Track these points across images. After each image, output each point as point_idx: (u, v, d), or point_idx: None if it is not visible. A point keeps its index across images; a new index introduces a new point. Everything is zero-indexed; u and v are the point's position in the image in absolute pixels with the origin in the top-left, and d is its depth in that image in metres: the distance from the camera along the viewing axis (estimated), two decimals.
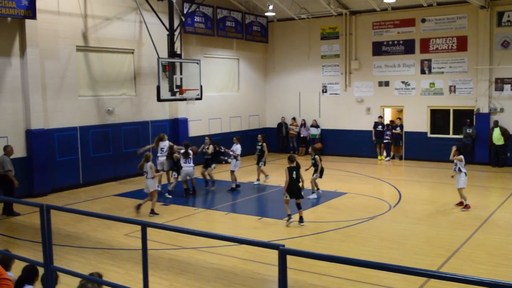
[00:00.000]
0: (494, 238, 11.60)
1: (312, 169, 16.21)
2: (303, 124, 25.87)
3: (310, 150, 16.76)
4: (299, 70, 26.33)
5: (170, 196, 16.12)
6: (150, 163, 14.19)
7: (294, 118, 26.23)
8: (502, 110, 21.51)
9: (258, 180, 18.51)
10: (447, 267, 9.65)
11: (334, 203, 15.39)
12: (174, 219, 13.67)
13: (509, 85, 21.37)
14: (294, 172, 12.80)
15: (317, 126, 25.55)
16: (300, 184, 12.97)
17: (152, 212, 13.95)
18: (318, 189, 16.37)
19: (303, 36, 25.99)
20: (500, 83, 21.53)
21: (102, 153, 18.87)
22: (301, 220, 12.74)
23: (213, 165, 17.57)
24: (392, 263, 4.12)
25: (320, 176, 16.05)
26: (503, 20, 21.36)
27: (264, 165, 18.41)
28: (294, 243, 11.33)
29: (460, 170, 14.18)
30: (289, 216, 12.77)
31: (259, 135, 19.06)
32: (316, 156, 16.14)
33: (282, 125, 26.35)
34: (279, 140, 26.59)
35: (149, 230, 5.19)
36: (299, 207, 12.74)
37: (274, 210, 14.78)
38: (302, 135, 25.84)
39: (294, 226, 12.73)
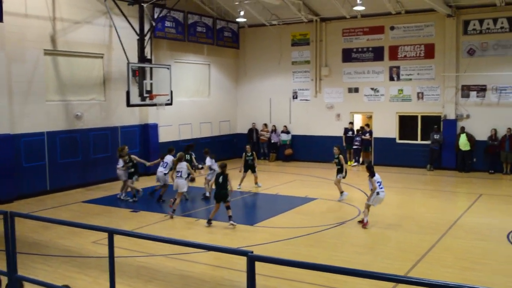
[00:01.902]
0: (461, 242, 11.80)
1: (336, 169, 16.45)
2: (274, 130, 25.93)
3: (334, 150, 16.69)
4: (270, 76, 26.42)
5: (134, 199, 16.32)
6: (185, 163, 14.77)
7: (265, 124, 26.27)
8: (468, 116, 21.95)
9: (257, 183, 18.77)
10: (416, 271, 9.76)
11: (304, 208, 15.44)
12: (144, 225, 13.53)
13: (475, 92, 21.82)
14: (221, 177, 13.26)
15: (287, 132, 25.65)
16: (229, 188, 13.40)
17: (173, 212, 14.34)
18: (342, 192, 16.40)
19: (274, 42, 26.11)
20: (466, 90, 21.97)
21: (70, 159, 18.58)
22: (230, 218, 13.20)
23: (135, 177, 16.74)
24: (361, 268, 4.14)
25: (344, 177, 16.32)
26: (469, 29, 21.82)
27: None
28: (263, 249, 11.32)
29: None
30: (209, 220, 13.40)
31: (247, 146, 19.27)
32: (340, 156, 16.37)
33: (253, 131, 26.34)
34: (250, 146, 26.44)
35: (119, 237, 5.12)
36: (228, 208, 13.25)
37: (244, 216, 14.75)
38: (272, 141, 25.90)
39: (264, 232, 12.71)
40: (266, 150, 26.08)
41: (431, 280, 3.47)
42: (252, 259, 3.91)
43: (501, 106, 21.35)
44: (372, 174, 13.22)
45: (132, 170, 16.65)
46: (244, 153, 18.63)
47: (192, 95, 24.63)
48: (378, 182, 13.23)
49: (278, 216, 14.36)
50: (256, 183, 18.64)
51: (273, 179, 20.44)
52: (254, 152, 18.77)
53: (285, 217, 14.52)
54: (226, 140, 26.28)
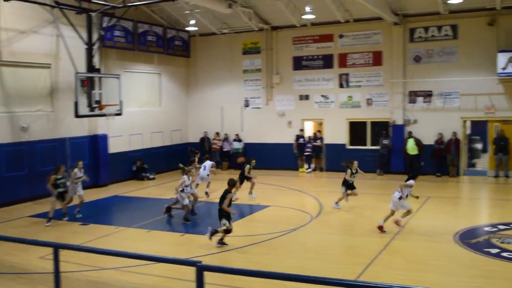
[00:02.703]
0: (410, 244, 12.06)
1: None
2: (226, 139, 25.90)
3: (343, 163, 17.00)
4: (221, 85, 26.42)
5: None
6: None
7: (217, 133, 26.22)
8: (415, 121, 22.53)
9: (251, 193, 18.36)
10: (366, 275, 9.90)
11: (257, 216, 15.47)
12: (93, 238, 13.23)
13: (421, 98, 22.43)
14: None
15: (239, 140, 25.67)
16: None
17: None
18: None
19: (225, 50, 26.15)
20: (413, 96, 22.56)
21: (16, 172, 18.02)
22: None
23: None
24: (313, 274, 4.18)
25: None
26: (415, 36, 22.44)
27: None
28: (216, 259, 11.26)
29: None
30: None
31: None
32: (359, 170, 16.78)
33: (204, 140, 26.23)
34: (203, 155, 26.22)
35: (68, 251, 4.99)
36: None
37: (197, 226, 14.65)
38: (225, 149, 25.85)
39: (216, 241, 12.64)
40: (218, 158, 26.00)
41: (383, 283, 3.53)
42: (201, 269, 3.88)
43: (446, 110, 22.02)
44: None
45: (62, 189, 15.16)
46: (248, 165, 18.32)
47: (143, 105, 24.34)
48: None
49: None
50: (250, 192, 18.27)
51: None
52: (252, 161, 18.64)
53: (238, 225, 14.43)
54: (177, 149, 26.06)
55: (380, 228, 13.00)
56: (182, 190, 14.85)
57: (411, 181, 13.16)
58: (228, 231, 12.16)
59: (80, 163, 16.00)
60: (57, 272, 4.93)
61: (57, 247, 4.96)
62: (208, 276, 8.77)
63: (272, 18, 24.30)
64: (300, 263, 10.94)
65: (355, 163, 16.46)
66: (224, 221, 12.12)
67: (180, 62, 26.47)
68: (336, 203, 16.15)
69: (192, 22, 23.16)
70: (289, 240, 12.76)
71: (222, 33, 25.50)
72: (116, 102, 19.14)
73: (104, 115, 18.97)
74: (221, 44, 26.14)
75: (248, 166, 18.16)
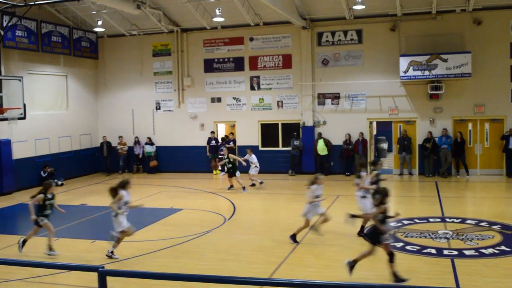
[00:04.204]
0: (321, 242, 12.36)
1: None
2: (137, 142, 25.35)
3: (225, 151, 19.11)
4: (132, 87, 25.90)
5: None
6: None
7: (121, 137, 25.54)
8: (324, 123, 23.20)
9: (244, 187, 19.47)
10: (279, 273, 10.06)
11: (170, 220, 15.29)
12: None
13: (330, 100, 23.12)
14: None
15: (151, 144, 25.24)
16: None
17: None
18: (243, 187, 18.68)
19: (135, 52, 25.66)
20: (322, 98, 23.22)
21: None
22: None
23: None
24: (227, 275, 4.16)
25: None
26: (323, 40, 23.10)
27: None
28: (127, 264, 10.99)
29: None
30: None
31: (224, 148, 20.50)
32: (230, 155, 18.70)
33: (103, 144, 25.28)
34: (104, 160, 25.38)
35: None
36: None
37: (107, 232, 14.21)
38: (136, 153, 25.31)
39: (130, 246, 12.36)
40: (122, 163, 25.26)
41: (292, 280, 3.57)
42: (103, 274, 3.76)
43: (353, 112, 22.84)
44: None
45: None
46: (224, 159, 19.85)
47: (49, 108, 23.35)
48: None
49: (143, 229, 14.04)
50: (231, 186, 19.98)
51: (139, 192, 19.97)
52: (231, 156, 19.87)
53: (151, 229, 14.26)
54: (87, 154, 25.25)
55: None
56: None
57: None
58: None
59: None
60: None
61: None
62: (121, 283, 8.54)
63: (182, 20, 24.14)
64: (214, 264, 10.93)
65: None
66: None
67: (88, 64, 25.65)
68: None
69: (100, 23, 22.53)
70: (203, 243, 12.71)
71: (131, 34, 25.02)
72: (19, 106, 18.27)
73: (6, 119, 18.03)
74: (130, 46, 25.62)
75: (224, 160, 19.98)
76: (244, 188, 19.30)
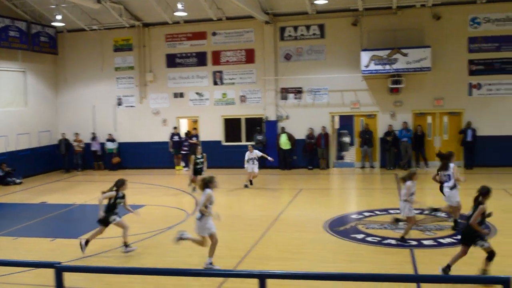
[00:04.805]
0: (283, 235, 12.45)
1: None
2: (94, 138, 24.92)
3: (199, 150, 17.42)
4: (93, 83, 25.49)
5: None
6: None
7: (77, 134, 25.08)
8: (287, 117, 23.31)
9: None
10: (241, 267, 10.09)
11: (132, 216, 15.06)
12: None
13: (292, 94, 23.23)
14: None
15: (113, 140, 24.89)
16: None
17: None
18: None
19: (96, 47, 25.25)
20: (284, 93, 23.31)
21: None
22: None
23: None
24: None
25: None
26: (285, 35, 23.18)
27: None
28: (88, 262, 10.83)
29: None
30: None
31: (199, 147, 18.88)
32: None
33: (62, 142, 24.77)
34: (62, 158, 24.81)
35: None
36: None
37: (68, 230, 14.03)
38: (93, 149, 24.88)
39: (92, 243, 12.18)
40: (80, 160, 24.86)
41: (252, 270, 3.58)
42: (59, 271, 3.70)
43: (316, 106, 23.02)
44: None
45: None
46: (193, 156, 18.20)
47: (6, 105, 22.78)
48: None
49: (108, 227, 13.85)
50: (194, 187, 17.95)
51: (100, 189, 19.61)
52: (204, 155, 18.27)
53: (113, 226, 14.04)
54: (46, 151, 24.75)
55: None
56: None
57: None
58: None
59: None
60: None
61: None
62: (84, 280, 8.43)
63: (144, 14, 23.87)
64: (177, 260, 10.89)
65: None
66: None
67: (47, 59, 25.12)
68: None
69: (59, 17, 22.08)
70: (165, 239, 12.61)
71: (92, 29, 24.60)
72: None
73: None
74: (91, 41, 25.19)
75: (192, 156, 18.10)
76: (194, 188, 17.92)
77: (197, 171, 17.85)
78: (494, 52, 21.42)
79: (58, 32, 25.16)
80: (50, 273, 9.45)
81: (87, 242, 11.48)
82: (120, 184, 11.71)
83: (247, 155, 18.92)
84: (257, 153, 19.00)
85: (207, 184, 10.36)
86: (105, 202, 11.52)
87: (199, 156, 17.88)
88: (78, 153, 24.81)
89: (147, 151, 24.63)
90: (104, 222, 11.46)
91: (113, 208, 11.58)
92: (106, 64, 25.25)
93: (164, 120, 24.67)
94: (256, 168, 18.89)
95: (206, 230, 10.25)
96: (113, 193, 11.52)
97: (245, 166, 18.89)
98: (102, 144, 25.01)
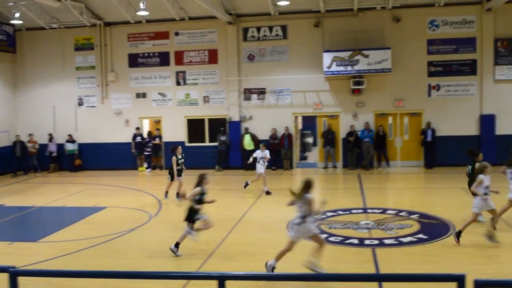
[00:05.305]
0: (247, 236, 12.45)
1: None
2: (51, 139, 24.39)
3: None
4: (53, 82, 24.99)
5: None
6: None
7: (31, 135, 24.44)
8: (251, 118, 23.34)
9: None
10: (204, 268, 10.03)
11: (93, 218, 14.89)
12: None
13: (256, 95, 23.28)
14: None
15: (73, 141, 24.42)
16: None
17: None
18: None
19: (56, 46, 24.76)
20: (248, 93, 23.34)
21: None
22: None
23: None
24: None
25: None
26: (248, 36, 23.20)
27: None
28: (47, 266, 10.60)
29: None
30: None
31: (179, 147, 17.00)
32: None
33: (16, 143, 24.01)
34: (16, 160, 24.00)
35: None
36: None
37: (26, 233, 13.71)
38: (49, 151, 24.36)
39: (50, 247, 11.96)
40: (35, 162, 24.25)
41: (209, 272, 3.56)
42: (13, 275, 3.61)
43: (279, 107, 23.12)
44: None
45: None
46: (174, 157, 16.68)
47: None
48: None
49: (65, 229, 13.63)
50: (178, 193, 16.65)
51: (60, 191, 19.39)
52: (183, 155, 17.00)
53: (73, 229, 13.84)
54: (4, 152, 24.11)
55: None
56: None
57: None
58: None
59: None
60: None
61: None
62: (41, 285, 8.23)
63: (105, 13, 23.54)
64: (138, 262, 10.75)
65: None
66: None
67: (5, 58, 24.49)
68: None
69: (17, 15, 21.57)
70: (127, 241, 12.48)
71: (52, 28, 24.12)
72: None
73: None
74: (51, 40, 24.69)
75: (174, 157, 16.69)
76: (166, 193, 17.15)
77: (178, 172, 16.74)
78: (452, 54, 21.94)
79: (16, 30, 24.59)
80: (4, 277, 9.24)
81: (177, 244, 11.15)
82: (202, 179, 11.41)
83: (258, 153, 17.71)
84: (267, 153, 17.76)
85: (307, 187, 9.58)
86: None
87: (179, 157, 16.81)
88: (33, 154, 24.20)
89: (109, 152, 24.29)
90: (191, 219, 11.20)
91: (199, 204, 11.27)
92: (67, 63, 24.79)
93: (126, 120, 24.37)
94: (263, 169, 17.61)
95: (307, 232, 9.62)
96: (199, 189, 11.15)
97: (256, 166, 17.64)
98: (61, 145, 24.47)
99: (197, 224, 11.32)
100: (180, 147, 17.04)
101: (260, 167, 17.54)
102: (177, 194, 16.59)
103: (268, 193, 17.37)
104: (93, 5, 22.92)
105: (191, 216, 11.28)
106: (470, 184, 12.74)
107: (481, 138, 21.76)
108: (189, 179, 19.90)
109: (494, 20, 21.49)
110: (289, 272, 9.24)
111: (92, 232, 13.34)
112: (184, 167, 16.99)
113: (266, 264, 9.64)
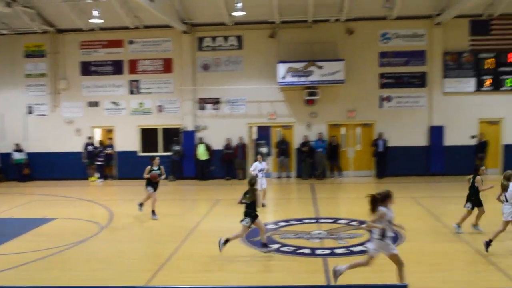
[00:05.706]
0: (199, 247, 12.34)
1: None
2: None
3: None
4: (1, 90, 24.28)
5: None
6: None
7: None
8: (205, 127, 23.27)
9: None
10: (155, 280, 9.88)
11: (42, 230, 14.49)
12: None
13: (210, 105, 23.24)
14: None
15: (20, 151, 23.73)
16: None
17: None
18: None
19: (5, 53, 24.14)
20: (202, 103, 23.28)
21: None
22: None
23: None
24: (100, 285, 3.99)
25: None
26: (203, 45, 23.18)
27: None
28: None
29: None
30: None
31: (156, 158, 15.92)
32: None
33: None
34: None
35: None
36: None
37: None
38: None
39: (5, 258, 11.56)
40: None
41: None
42: None
43: (233, 117, 23.16)
44: None
45: None
46: (150, 167, 15.53)
47: None
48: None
49: (11, 242, 13.20)
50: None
51: (7, 202, 18.79)
52: (161, 167, 15.81)
53: (20, 241, 13.42)
54: None
55: None
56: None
57: None
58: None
59: None
60: None
61: None
62: None
63: (57, 20, 23.09)
64: (87, 274, 10.51)
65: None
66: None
67: None
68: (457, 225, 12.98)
69: None
70: (76, 253, 12.19)
71: (1, 34, 23.48)
72: None
73: None
74: (0, 46, 24.00)
75: (148, 167, 15.48)
76: (142, 204, 16.00)
77: (152, 185, 15.65)
78: (402, 66, 22.50)
79: None
80: None
81: (227, 240, 11.48)
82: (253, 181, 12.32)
83: (256, 166, 16.64)
84: (264, 164, 16.90)
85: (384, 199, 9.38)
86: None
87: (155, 168, 15.70)
88: None
89: (60, 161, 23.72)
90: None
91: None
92: (16, 70, 24.16)
93: (77, 129, 23.88)
94: (264, 182, 16.64)
95: (388, 248, 8.79)
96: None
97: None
98: (7, 155, 23.73)
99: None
100: (158, 158, 15.98)
101: (263, 181, 16.48)
102: (153, 211, 15.43)
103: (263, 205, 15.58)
104: (45, 11, 22.45)
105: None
106: (470, 196, 12.82)
107: (431, 149, 22.35)
108: (139, 189, 19.75)
109: (443, 34, 22.17)
110: (242, 284, 9.21)
111: (40, 244, 12.97)
112: (159, 178, 15.77)
113: (335, 268, 9.13)
